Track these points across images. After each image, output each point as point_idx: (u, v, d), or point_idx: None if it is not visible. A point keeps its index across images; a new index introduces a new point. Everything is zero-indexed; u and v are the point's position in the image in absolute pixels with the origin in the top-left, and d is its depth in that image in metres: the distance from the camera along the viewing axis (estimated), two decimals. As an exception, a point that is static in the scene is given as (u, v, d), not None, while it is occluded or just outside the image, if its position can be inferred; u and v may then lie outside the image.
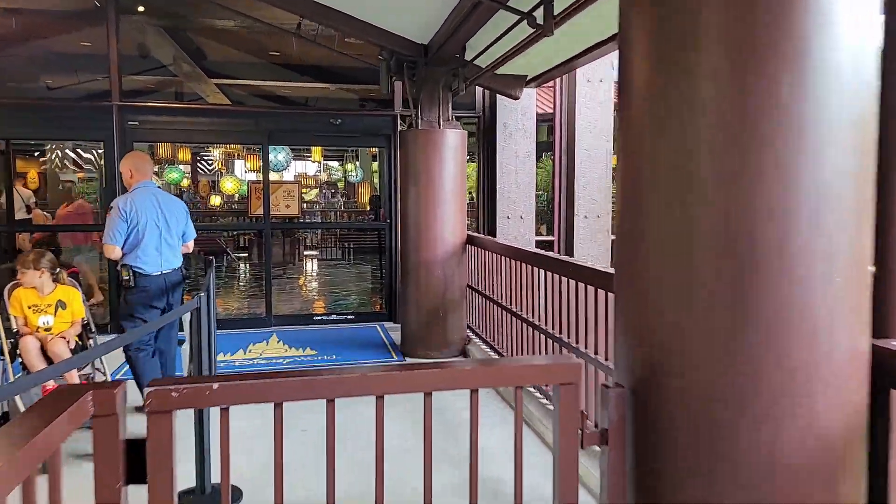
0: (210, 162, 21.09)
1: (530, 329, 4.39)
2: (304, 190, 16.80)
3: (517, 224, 6.58)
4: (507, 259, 4.77)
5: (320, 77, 7.22)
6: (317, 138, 6.72)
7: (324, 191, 16.27)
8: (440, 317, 5.36)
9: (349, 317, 6.94)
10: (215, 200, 16.12)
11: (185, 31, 6.97)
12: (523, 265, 4.49)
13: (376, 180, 19.35)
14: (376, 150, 16.98)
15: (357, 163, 20.25)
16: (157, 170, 16.95)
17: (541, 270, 4.20)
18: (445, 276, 5.35)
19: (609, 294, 3.13)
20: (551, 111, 7.30)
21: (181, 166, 17.05)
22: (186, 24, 6.89)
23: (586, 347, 3.51)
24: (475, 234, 5.84)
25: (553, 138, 6.90)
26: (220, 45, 7.37)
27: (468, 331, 5.66)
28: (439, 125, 5.31)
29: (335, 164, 22.68)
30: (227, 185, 14.49)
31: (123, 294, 4.21)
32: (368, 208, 12.76)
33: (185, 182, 17.68)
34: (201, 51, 7.34)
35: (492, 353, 5.14)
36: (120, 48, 6.05)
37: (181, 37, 7.08)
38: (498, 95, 6.42)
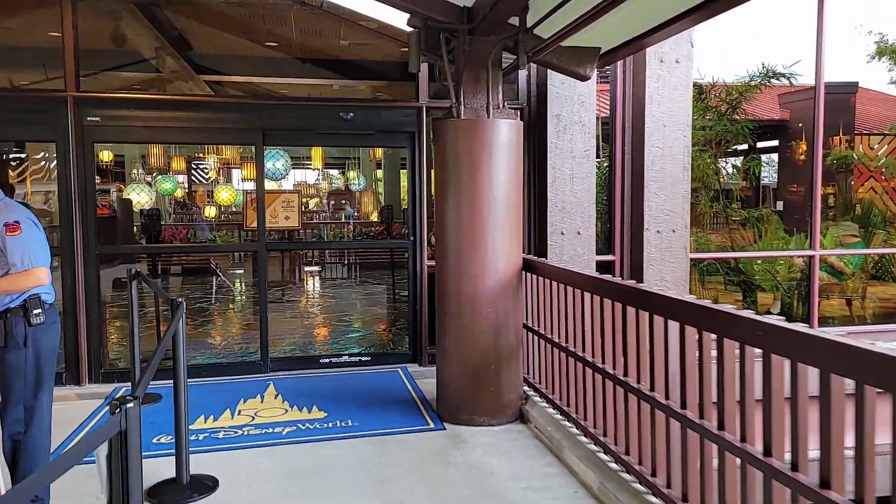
0: (206, 171, 19.89)
1: (622, 390, 3.09)
2: (303, 199, 15.46)
3: (573, 241, 5.27)
4: (589, 295, 3.46)
5: (328, 69, 5.91)
6: (322, 138, 5.43)
7: (326, 200, 14.93)
8: (490, 371, 4.04)
9: (364, 358, 5.61)
10: (210, 212, 14.88)
11: (167, 12, 5.67)
12: (614, 304, 3.18)
13: (380, 189, 18.09)
14: (381, 155, 15.73)
15: (359, 171, 18.98)
16: (148, 179, 15.72)
17: (643, 313, 2.90)
18: (497, 315, 4.03)
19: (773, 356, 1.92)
20: (603, 101, 6.00)
21: (176, 176, 15.85)
22: (169, 5, 5.59)
23: (722, 428, 2.26)
24: (534, 258, 4.52)
25: (613, 133, 5.59)
26: (210, 34, 6.07)
27: (525, 385, 4.33)
28: (488, 113, 4.00)
29: (335, 172, 21.45)
30: (222, 195, 13.18)
31: (29, 338, 2.92)
32: (379, 219, 11.42)
33: (179, 192, 16.46)
34: (186, 41, 6.05)
35: (561, 419, 3.82)
36: (76, 21, 4.75)
37: (162, 23, 5.78)
38: (549, 81, 5.12)
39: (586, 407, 3.62)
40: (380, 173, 19.70)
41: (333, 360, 5.54)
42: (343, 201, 11.22)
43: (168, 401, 4.62)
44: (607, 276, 3.43)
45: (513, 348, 4.13)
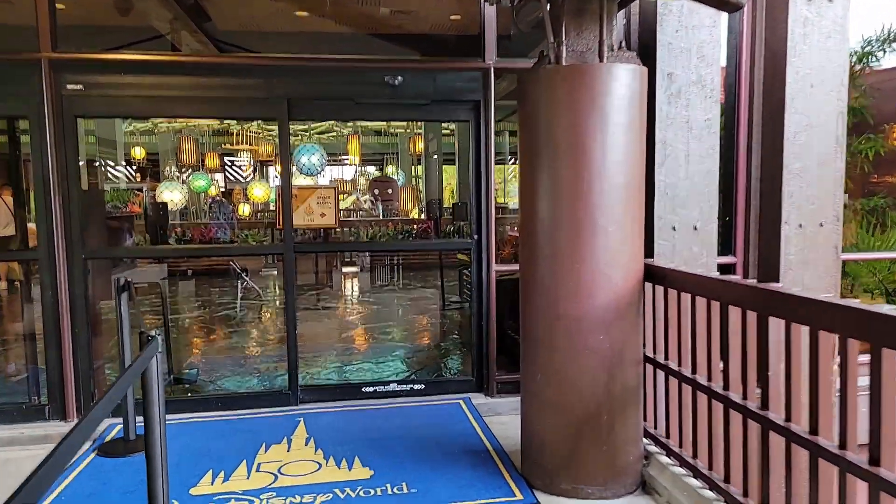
0: (241, 167, 19.12)
1: (809, 455, 1.91)
2: (340, 196, 14.49)
3: (687, 239, 4.04)
4: (755, 315, 2.27)
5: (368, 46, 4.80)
6: (361, 110, 4.33)
7: (368, 188, 13.83)
8: (602, 423, 2.85)
9: (416, 386, 4.48)
10: (244, 210, 14.03)
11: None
12: (817, 333, 1.99)
13: (421, 187, 17.00)
14: (422, 149, 14.61)
15: (398, 166, 17.92)
16: (180, 176, 14.98)
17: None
18: (612, 345, 2.84)
19: None
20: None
21: (211, 174, 15.09)
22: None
23: None
24: (659, 264, 3.33)
25: (735, 97, 4.33)
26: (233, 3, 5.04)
27: (646, 440, 3.13)
28: (600, 56, 2.82)
29: (372, 168, 20.46)
30: (256, 191, 12.30)
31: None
32: (426, 215, 10.29)
33: (213, 190, 15.70)
34: (204, 11, 5.02)
35: (702, 487, 2.62)
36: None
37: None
38: (659, 27, 3.90)
39: (748, 477, 2.42)
40: (420, 169, 18.65)
41: (378, 388, 4.43)
42: (388, 190, 10.11)
43: (176, 446, 3.59)
44: (801, 292, 2.21)
45: (632, 390, 2.93)
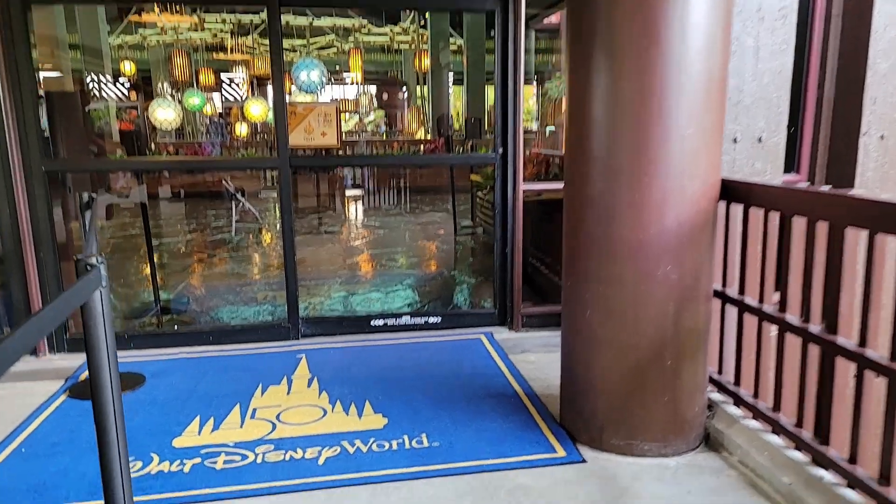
0: (238, 86, 18.15)
1: None
2: (342, 117, 13.81)
3: (750, 152, 3.45)
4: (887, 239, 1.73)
5: None
6: None
7: (376, 92, 13.05)
8: (666, 369, 2.36)
9: (431, 319, 4.00)
10: (242, 130, 13.33)
11: None
12: None
13: (427, 109, 16.11)
14: (427, 67, 13.66)
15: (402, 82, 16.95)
16: (174, 94, 14.15)
17: None
18: (682, 278, 2.31)
19: None
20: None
21: (205, 92, 14.25)
22: None
23: None
24: (741, 179, 2.77)
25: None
26: None
27: (711, 388, 2.65)
28: None
29: (375, 89, 19.43)
30: (253, 109, 11.54)
31: None
32: (437, 133, 9.61)
33: (208, 110, 14.90)
34: None
35: (779, 445, 2.17)
36: None
37: None
38: None
39: (857, 439, 1.96)
40: (425, 90, 17.66)
41: (389, 322, 3.95)
42: (399, 95, 9.36)
43: (161, 387, 3.14)
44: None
45: (702, 330, 2.43)
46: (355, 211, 9.72)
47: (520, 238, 3.83)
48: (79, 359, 3.50)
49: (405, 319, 3.97)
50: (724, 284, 2.55)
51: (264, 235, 7.45)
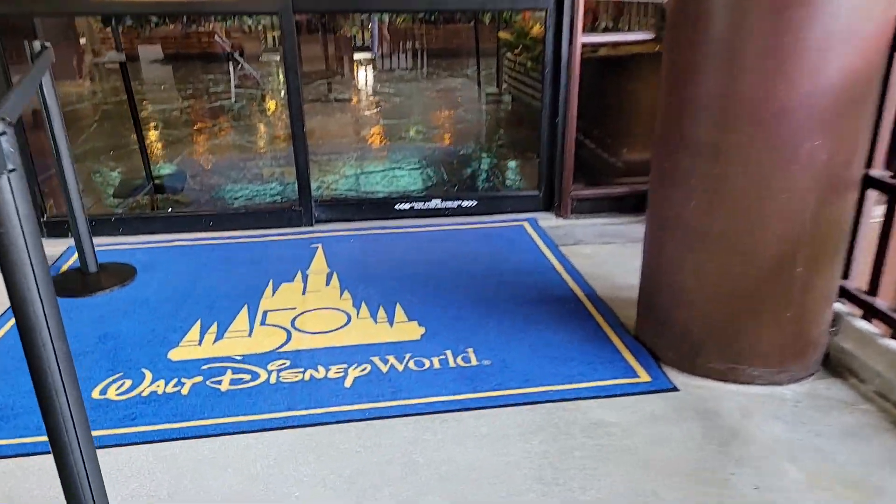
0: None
1: None
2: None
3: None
4: None
5: None
6: None
7: None
8: (794, 275, 1.82)
9: (466, 203, 3.44)
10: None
11: None
12: None
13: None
14: None
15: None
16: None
17: None
18: (832, 155, 1.70)
19: None
20: None
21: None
22: None
23: None
24: None
25: None
26: None
27: (840, 301, 2.12)
28: None
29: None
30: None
31: None
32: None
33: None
34: None
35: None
36: None
37: None
38: None
39: None
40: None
41: (416, 205, 3.40)
42: None
43: (153, 283, 2.66)
44: None
45: (843, 228, 1.86)
46: (366, 76, 8.85)
47: (574, 105, 3.16)
48: (61, 245, 3.01)
49: (435, 203, 3.41)
50: (868, 164, 1.94)
51: (268, 103, 6.72)
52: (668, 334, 2.06)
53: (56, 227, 3.11)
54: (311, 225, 3.29)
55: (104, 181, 4.05)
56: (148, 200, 3.70)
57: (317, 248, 3.04)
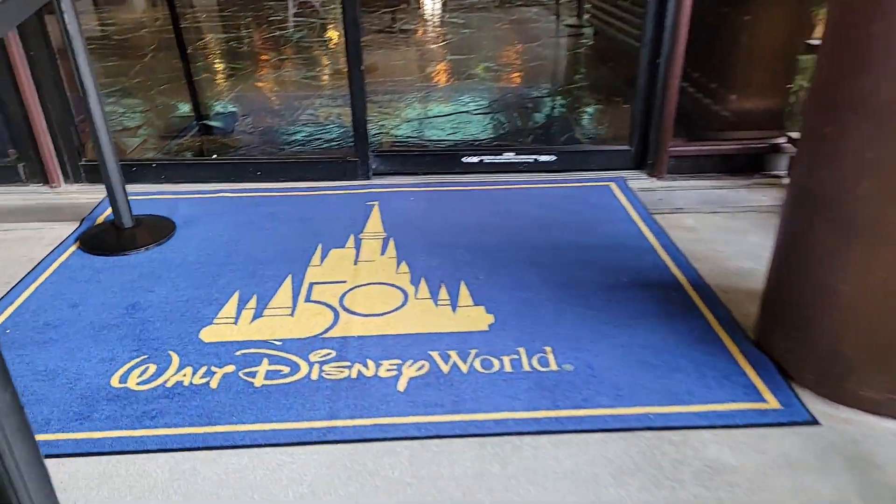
0: None
1: None
2: None
3: None
4: None
5: None
6: None
7: None
8: None
9: (542, 157, 2.99)
10: None
11: None
12: None
13: None
14: None
15: None
16: None
17: None
18: None
19: None
20: None
21: None
22: None
23: None
24: None
25: None
26: None
27: None
28: None
29: None
30: None
31: None
32: None
33: None
34: None
35: None
36: None
37: None
38: None
39: None
40: None
41: (485, 159, 2.98)
42: None
43: (192, 241, 2.39)
44: None
45: None
46: (433, 4, 8.24)
47: (683, 42, 2.63)
48: (100, 192, 2.77)
49: (508, 156, 2.98)
50: None
51: (329, 33, 6.28)
52: (806, 347, 1.62)
53: (95, 173, 2.87)
54: (368, 178, 2.94)
55: (151, 118, 3.79)
56: (195, 142, 3.41)
57: (373, 206, 2.69)
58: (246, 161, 2.94)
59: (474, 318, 1.95)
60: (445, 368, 1.73)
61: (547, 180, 2.92)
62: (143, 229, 2.46)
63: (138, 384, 1.69)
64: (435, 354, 1.78)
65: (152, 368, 1.75)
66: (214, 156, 2.94)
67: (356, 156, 2.91)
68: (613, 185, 2.86)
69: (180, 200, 2.76)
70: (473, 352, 1.79)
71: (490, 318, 1.94)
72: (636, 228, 2.48)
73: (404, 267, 2.24)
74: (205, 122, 3.62)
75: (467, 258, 2.28)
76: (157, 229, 2.48)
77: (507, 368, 1.73)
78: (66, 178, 2.91)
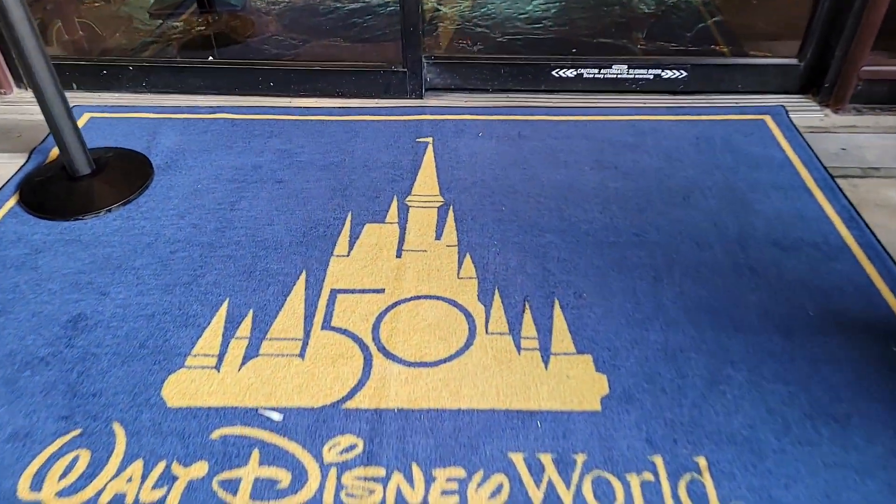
0: None
1: None
2: None
3: None
4: None
5: None
6: None
7: None
8: None
9: (666, 73, 2.09)
10: None
11: None
12: None
13: None
14: None
15: None
16: None
17: None
18: None
19: None
20: None
21: None
22: None
23: None
24: None
25: None
26: None
27: None
28: None
29: None
30: None
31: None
32: None
33: None
34: None
35: None
36: None
37: None
38: None
39: None
40: None
41: (588, 72, 2.10)
42: None
43: (166, 206, 1.70)
44: None
45: None
46: None
47: None
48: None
49: (617, 71, 2.09)
50: None
51: None
52: None
53: (61, 74, 2.13)
54: (420, 97, 2.12)
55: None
56: (192, 26, 2.58)
57: (426, 145, 1.91)
58: (255, 66, 2.14)
59: (578, 381, 1.25)
60: (536, 496, 1.07)
61: (671, 107, 2.06)
62: (107, 177, 1.77)
63: (58, 495, 1.09)
64: (518, 461, 1.12)
65: (83, 460, 1.14)
66: (210, 57, 2.14)
67: (403, 64, 2.07)
68: (769, 121, 1.99)
69: (163, 123, 2.03)
70: (580, 460, 1.12)
71: (603, 384, 1.25)
72: (814, 206, 1.67)
73: (469, 265, 1.52)
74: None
75: (561, 252, 1.54)
76: (126, 176, 1.79)
77: (636, 499, 1.06)
78: (19, 82, 2.19)
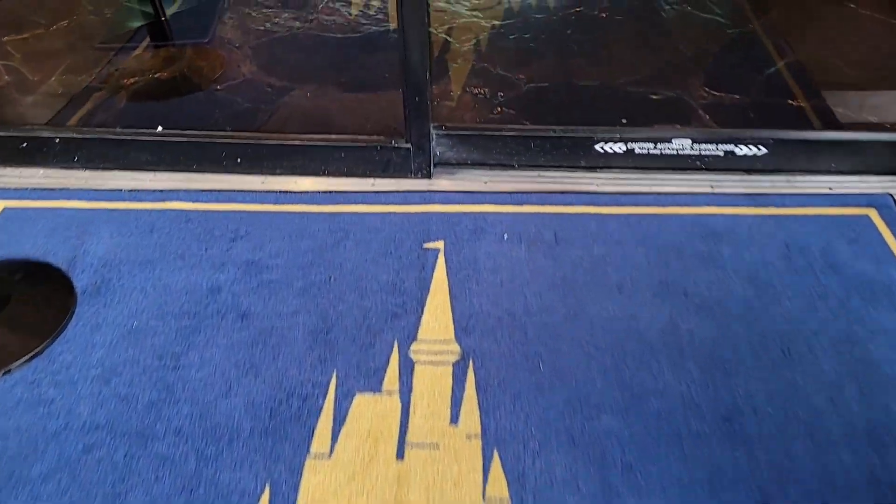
0: None
1: None
2: None
3: None
4: None
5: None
6: None
7: None
8: None
9: (742, 149, 1.62)
10: None
11: None
12: None
13: None
14: None
15: None
16: None
17: None
18: None
19: None
20: None
21: None
22: None
23: None
24: None
25: None
26: None
27: None
28: None
29: None
30: None
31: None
32: None
33: None
34: None
35: None
36: None
37: None
38: None
39: None
40: None
41: (637, 147, 1.64)
42: None
43: (90, 347, 1.26)
44: None
45: None
46: None
47: None
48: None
49: (678, 145, 1.63)
50: None
51: None
52: None
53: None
54: (428, 176, 1.66)
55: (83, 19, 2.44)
56: (145, 65, 2.10)
57: (436, 255, 1.47)
58: (217, 140, 1.67)
59: None
60: None
61: (749, 194, 1.61)
62: (11, 313, 1.33)
63: None
64: None
65: None
66: (159, 128, 1.67)
67: (408, 137, 1.61)
68: (875, 216, 1.54)
69: (97, 216, 1.58)
70: None
71: None
72: (961, 367, 1.23)
73: (498, 475, 1.09)
74: (163, 19, 2.27)
75: (626, 451, 1.11)
76: (36, 310, 1.34)
77: None
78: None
